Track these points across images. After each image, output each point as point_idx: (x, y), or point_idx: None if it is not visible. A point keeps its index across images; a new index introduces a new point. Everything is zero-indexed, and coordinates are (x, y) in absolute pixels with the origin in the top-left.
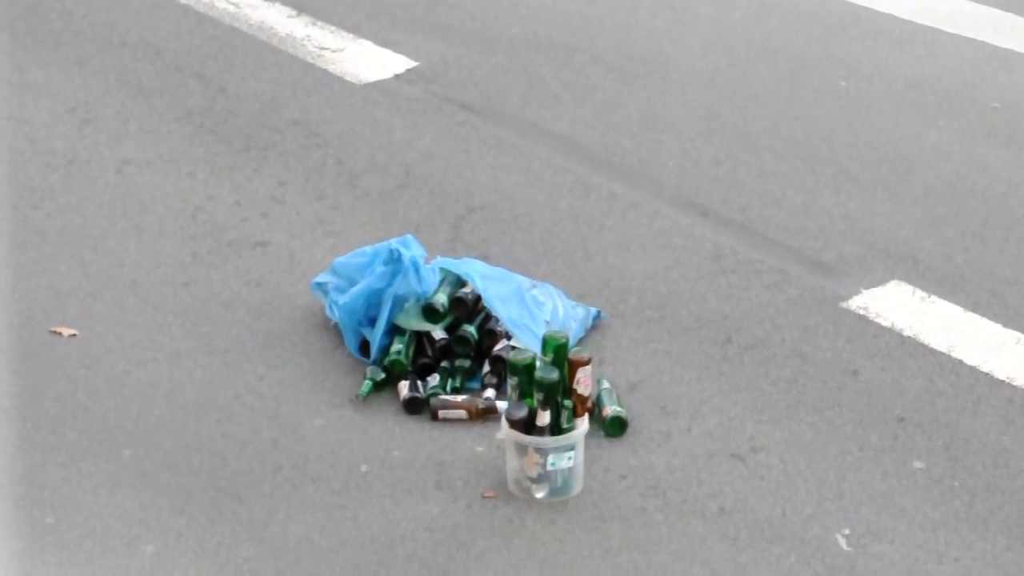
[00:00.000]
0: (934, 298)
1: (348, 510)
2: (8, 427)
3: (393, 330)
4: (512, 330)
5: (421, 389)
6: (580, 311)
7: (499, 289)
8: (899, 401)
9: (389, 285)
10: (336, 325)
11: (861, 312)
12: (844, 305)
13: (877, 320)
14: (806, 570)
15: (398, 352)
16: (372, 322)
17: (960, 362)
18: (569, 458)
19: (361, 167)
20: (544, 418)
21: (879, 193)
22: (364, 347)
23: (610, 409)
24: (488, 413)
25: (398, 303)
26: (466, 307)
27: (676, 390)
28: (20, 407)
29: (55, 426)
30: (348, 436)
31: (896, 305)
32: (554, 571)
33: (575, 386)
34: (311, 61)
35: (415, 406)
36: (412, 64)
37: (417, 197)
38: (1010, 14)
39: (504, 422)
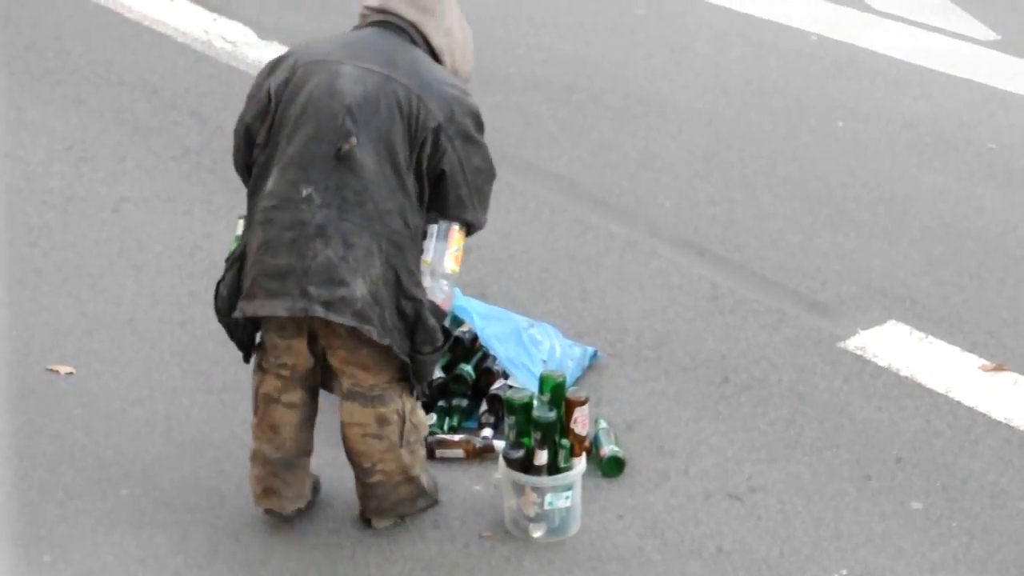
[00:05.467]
0: (931, 338)
1: (346, 549)
2: (5, 465)
3: None
4: (509, 369)
5: None
6: (577, 350)
7: (496, 328)
8: (897, 441)
9: None
10: None
11: (858, 352)
12: (841, 345)
13: (874, 360)
14: None
15: None
16: None
17: (958, 403)
18: (567, 498)
19: None
20: (541, 457)
21: (876, 233)
22: None
23: (607, 449)
24: (485, 452)
25: None
26: (463, 346)
27: (673, 430)
28: (17, 445)
29: (52, 464)
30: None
31: (893, 345)
32: None
33: (572, 426)
34: None
35: None
36: None
37: None
38: (1007, 55)
39: (501, 461)
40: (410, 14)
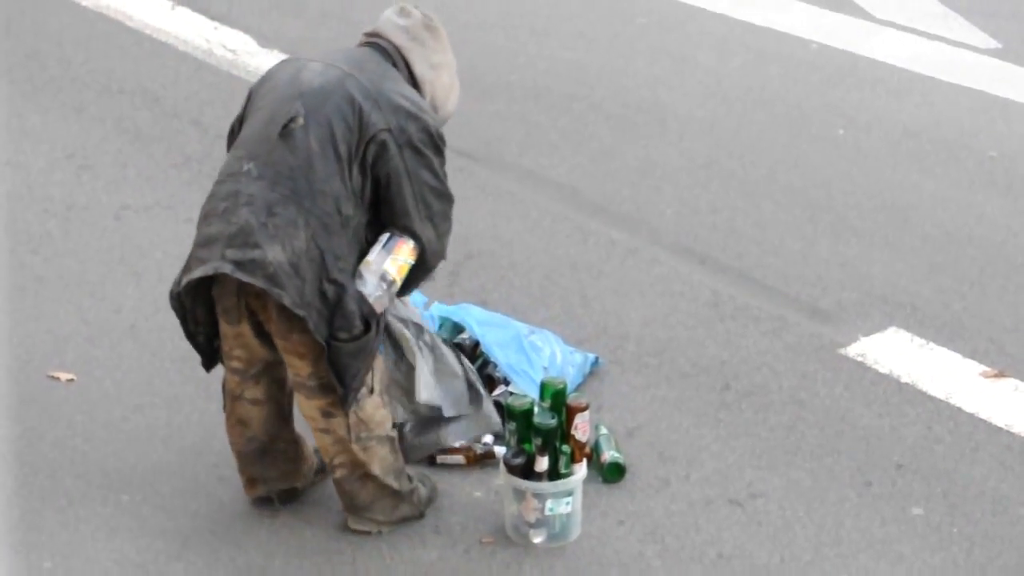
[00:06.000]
0: (932, 345)
1: (346, 555)
2: (6, 472)
3: None
4: (510, 376)
5: None
6: (578, 357)
7: (497, 335)
8: (897, 448)
9: None
10: None
11: (859, 359)
12: (842, 352)
13: (875, 367)
14: None
15: None
16: None
17: (958, 409)
18: (567, 503)
19: None
20: (542, 464)
21: (877, 241)
22: None
23: (608, 455)
24: (486, 458)
25: None
26: (464, 352)
27: (674, 436)
28: (18, 452)
29: (53, 471)
30: None
31: (894, 352)
32: None
33: (573, 432)
34: None
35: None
36: None
37: None
38: (1007, 63)
39: (502, 467)
40: (398, 39)
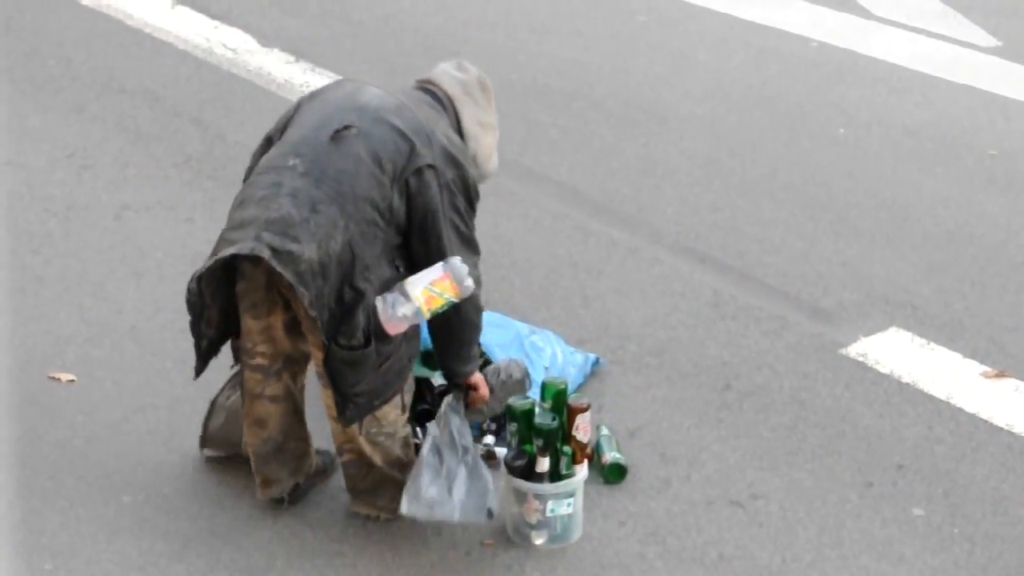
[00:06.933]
0: (933, 345)
1: (347, 557)
2: (7, 473)
3: None
4: None
5: (420, 435)
6: (579, 357)
7: (498, 335)
8: (898, 448)
9: None
10: None
11: (860, 359)
12: (843, 352)
13: (876, 367)
14: None
15: None
16: None
17: (959, 409)
18: (568, 504)
19: None
20: (543, 464)
21: (877, 240)
22: None
23: (609, 456)
24: (487, 460)
25: None
26: None
27: (675, 437)
28: (19, 453)
29: (54, 472)
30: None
31: (895, 352)
32: None
33: (574, 432)
34: None
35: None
36: None
37: None
38: (1008, 61)
39: (503, 468)
40: (452, 90)
